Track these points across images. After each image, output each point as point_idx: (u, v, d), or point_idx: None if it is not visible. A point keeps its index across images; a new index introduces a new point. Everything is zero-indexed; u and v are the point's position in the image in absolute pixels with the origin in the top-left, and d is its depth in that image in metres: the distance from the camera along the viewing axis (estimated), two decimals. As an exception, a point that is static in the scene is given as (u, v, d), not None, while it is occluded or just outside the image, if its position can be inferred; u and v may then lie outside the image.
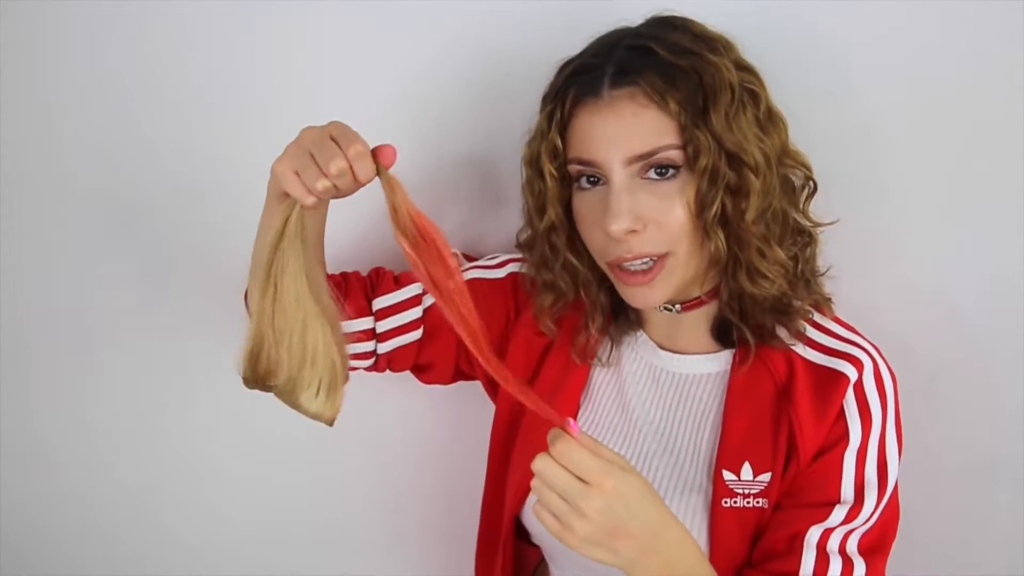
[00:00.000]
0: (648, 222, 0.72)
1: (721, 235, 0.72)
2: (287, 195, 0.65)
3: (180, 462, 1.13)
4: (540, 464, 0.63)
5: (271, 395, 0.84)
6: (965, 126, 0.85)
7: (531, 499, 0.83)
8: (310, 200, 0.64)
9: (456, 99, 0.93)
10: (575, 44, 0.77)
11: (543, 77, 0.78)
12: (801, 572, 0.72)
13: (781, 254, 0.74)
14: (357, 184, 0.64)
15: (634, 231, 0.72)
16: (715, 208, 0.71)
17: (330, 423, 0.73)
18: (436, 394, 0.99)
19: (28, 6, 0.94)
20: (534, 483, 0.64)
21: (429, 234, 0.63)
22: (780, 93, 0.76)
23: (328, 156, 0.62)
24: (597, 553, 0.64)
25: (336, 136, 0.63)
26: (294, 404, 0.72)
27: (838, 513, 0.74)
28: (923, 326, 0.92)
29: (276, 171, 0.65)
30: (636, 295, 0.76)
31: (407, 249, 0.63)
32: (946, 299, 0.91)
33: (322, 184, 0.62)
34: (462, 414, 1.06)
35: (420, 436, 1.09)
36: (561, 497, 0.63)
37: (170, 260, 1.03)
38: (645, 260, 0.74)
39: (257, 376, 0.72)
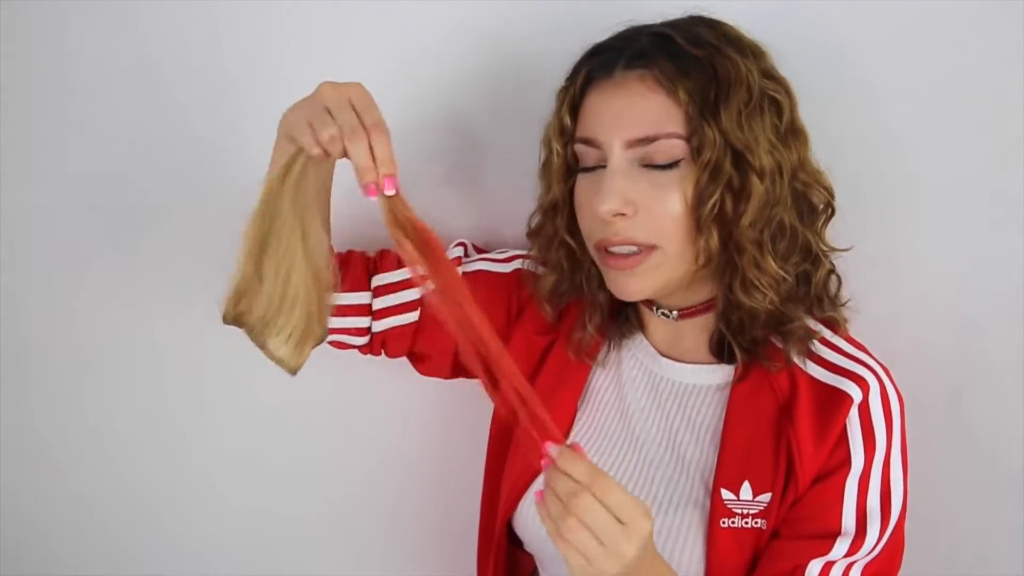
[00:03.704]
0: (639, 208, 0.71)
1: (715, 233, 0.71)
2: (294, 143, 0.66)
3: (181, 464, 1.12)
4: (584, 503, 0.60)
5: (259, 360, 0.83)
6: (988, 140, 0.85)
7: (523, 505, 0.82)
8: (316, 151, 0.64)
9: (474, 90, 0.93)
10: (600, 34, 0.77)
11: (564, 68, 0.77)
12: None
13: (774, 267, 0.72)
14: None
15: (623, 214, 0.71)
16: (712, 203, 0.70)
17: (292, 372, 0.74)
18: (436, 394, 0.98)
19: (32, 3, 0.94)
20: (561, 518, 0.61)
21: (430, 244, 0.65)
22: (805, 106, 0.75)
23: (349, 124, 0.63)
24: None
25: (358, 108, 0.64)
26: (262, 344, 0.73)
27: (840, 546, 0.72)
28: (946, 341, 0.91)
29: (287, 118, 0.66)
30: (618, 281, 0.75)
31: (410, 252, 0.65)
32: (969, 314, 0.90)
33: (328, 133, 0.63)
34: (462, 414, 1.04)
35: (421, 437, 1.08)
36: (597, 538, 0.60)
37: (175, 259, 1.03)
38: (632, 248, 0.73)
39: (236, 314, 0.73)
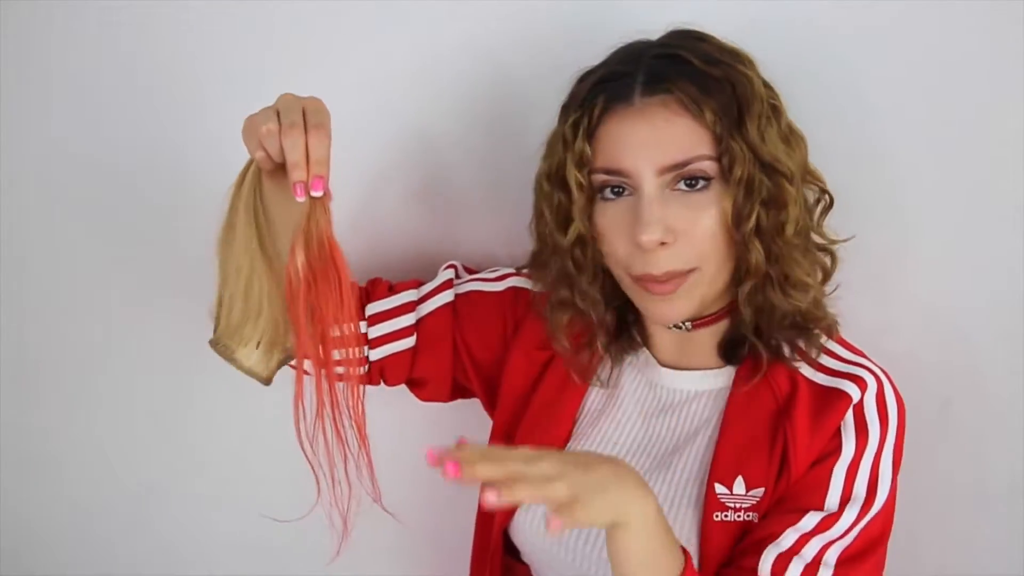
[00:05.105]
0: (679, 234, 0.71)
1: (759, 247, 0.71)
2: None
3: (179, 465, 1.13)
4: (546, 465, 0.57)
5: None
6: (981, 144, 0.85)
7: (520, 514, 0.82)
8: (259, 153, 0.66)
9: (468, 109, 0.93)
10: (591, 56, 0.77)
11: (556, 89, 0.77)
12: (760, 566, 0.71)
13: (812, 267, 0.75)
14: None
15: (664, 243, 0.71)
16: (753, 220, 0.70)
17: (265, 383, 0.74)
18: (435, 410, 0.99)
19: (28, 6, 0.94)
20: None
21: (333, 263, 0.67)
22: (794, 111, 0.76)
23: (289, 120, 0.64)
24: (612, 495, 0.60)
25: (307, 111, 0.65)
26: (230, 356, 0.73)
27: (811, 518, 0.72)
28: (937, 349, 0.91)
29: (244, 124, 0.68)
30: (658, 307, 0.74)
31: (298, 263, 0.66)
32: (961, 322, 0.90)
33: (267, 127, 0.64)
34: (458, 425, 1.02)
35: (416, 446, 1.07)
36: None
37: (172, 262, 1.03)
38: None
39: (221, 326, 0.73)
